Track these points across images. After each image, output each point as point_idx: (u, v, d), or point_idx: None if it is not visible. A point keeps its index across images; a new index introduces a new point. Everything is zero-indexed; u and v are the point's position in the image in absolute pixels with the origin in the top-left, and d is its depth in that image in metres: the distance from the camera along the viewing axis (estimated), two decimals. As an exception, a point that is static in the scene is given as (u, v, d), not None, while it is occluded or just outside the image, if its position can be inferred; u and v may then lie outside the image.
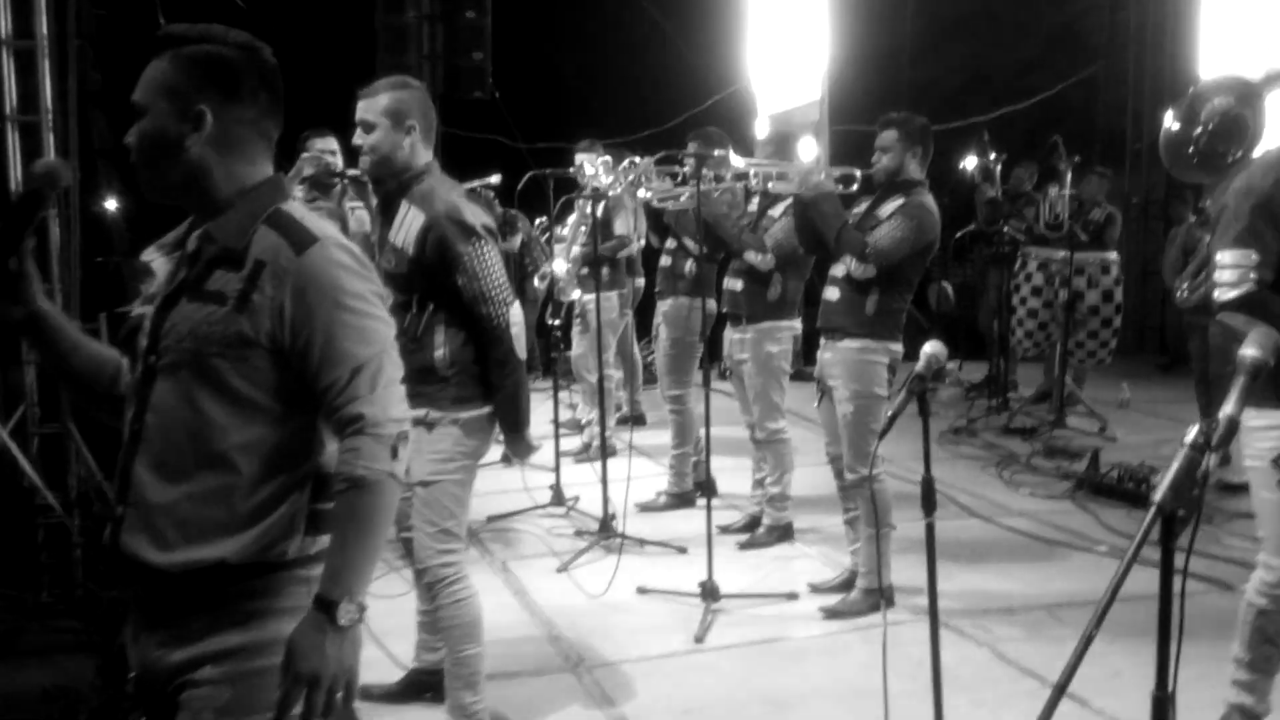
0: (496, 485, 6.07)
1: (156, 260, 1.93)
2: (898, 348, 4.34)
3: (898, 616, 4.30)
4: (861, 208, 4.47)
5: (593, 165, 5.74)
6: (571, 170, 6.55)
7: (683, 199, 5.25)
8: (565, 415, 7.09)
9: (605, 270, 6.47)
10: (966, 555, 5.06)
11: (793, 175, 4.57)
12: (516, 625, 4.36)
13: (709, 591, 4.41)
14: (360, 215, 4.73)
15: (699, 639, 4.20)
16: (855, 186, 4.52)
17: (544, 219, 6.71)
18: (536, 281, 7.39)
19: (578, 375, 7.16)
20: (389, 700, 3.67)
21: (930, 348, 2.70)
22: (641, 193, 5.27)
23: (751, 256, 5.10)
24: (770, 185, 4.73)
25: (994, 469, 6.61)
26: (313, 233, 1.83)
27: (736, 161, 4.71)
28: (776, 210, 5.11)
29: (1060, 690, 2.01)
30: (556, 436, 6.26)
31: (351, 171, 4.72)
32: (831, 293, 4.40)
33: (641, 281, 7.25)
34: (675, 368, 5.86)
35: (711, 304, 5.55)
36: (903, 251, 4.23)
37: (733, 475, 5.95)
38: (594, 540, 5.26)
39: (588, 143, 6.74)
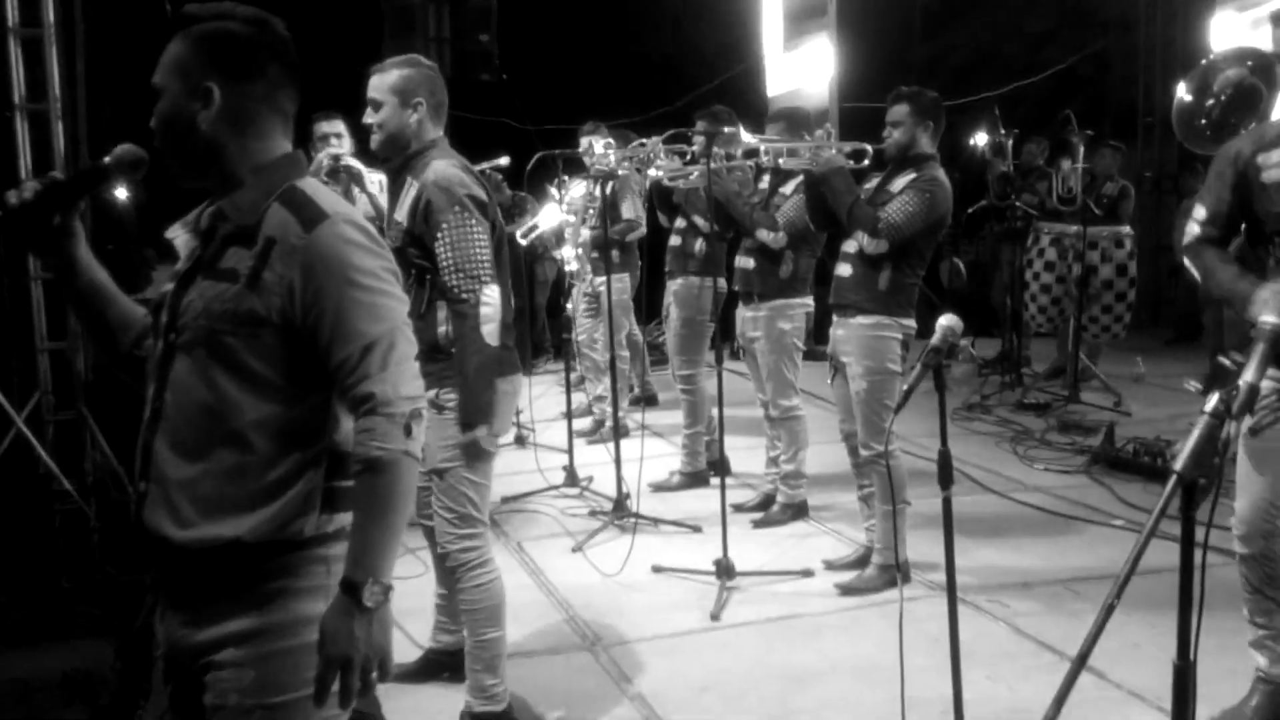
0: (510, 466, 6.08)
1: (180, 237, 1.93)
2: (911, 323, 4.32)
3: (914, 592, 4.29)
4: (873, 183, 4.45)
5: (601, 146, 5.72)
6: (580, 151, 6.54)
7: (693, 177, 5.23)
8: (577, 402, 7.09)
9: (615, 253, 6.46)
10: (983, 531, 5.05)
11: (803, 151, 4.54)
12: (533, 605, 4.37)
13: (724, 569, 4.41)
14: (362, 201, 4.72)
15: (715, 617, 4.20)
16: (866, 161, 4.50)
17: (555, 193, 6.66)
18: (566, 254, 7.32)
19: (579, 353, 7.16)
20: (406, 680, 3.68)
21: (946, 320, 2.68)
22: (652, 172, 5.26)
23: (763, 235, 5.07)
24: (781, 162, 4.70)
25: (1008, 444, 6.59)
26: (323, 209, 1.82)
27: (747, 138, 4.69)
28: (788, 188, 5.09)
29: (1082, 660, 2.00)
30: (569, 417, 6.26)
31: (345, 161, 4.72)
32: (843, 269, 4.38)
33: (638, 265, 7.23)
34: (686, 347, 5.86)
35: (722, 283, 5.54)
36: (915, 226, 4.21)
37: (746, 454, 5.94)
38: (608, 520, 5.26)
39: (592, 125, 6.73)
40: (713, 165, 4.58)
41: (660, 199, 5.81)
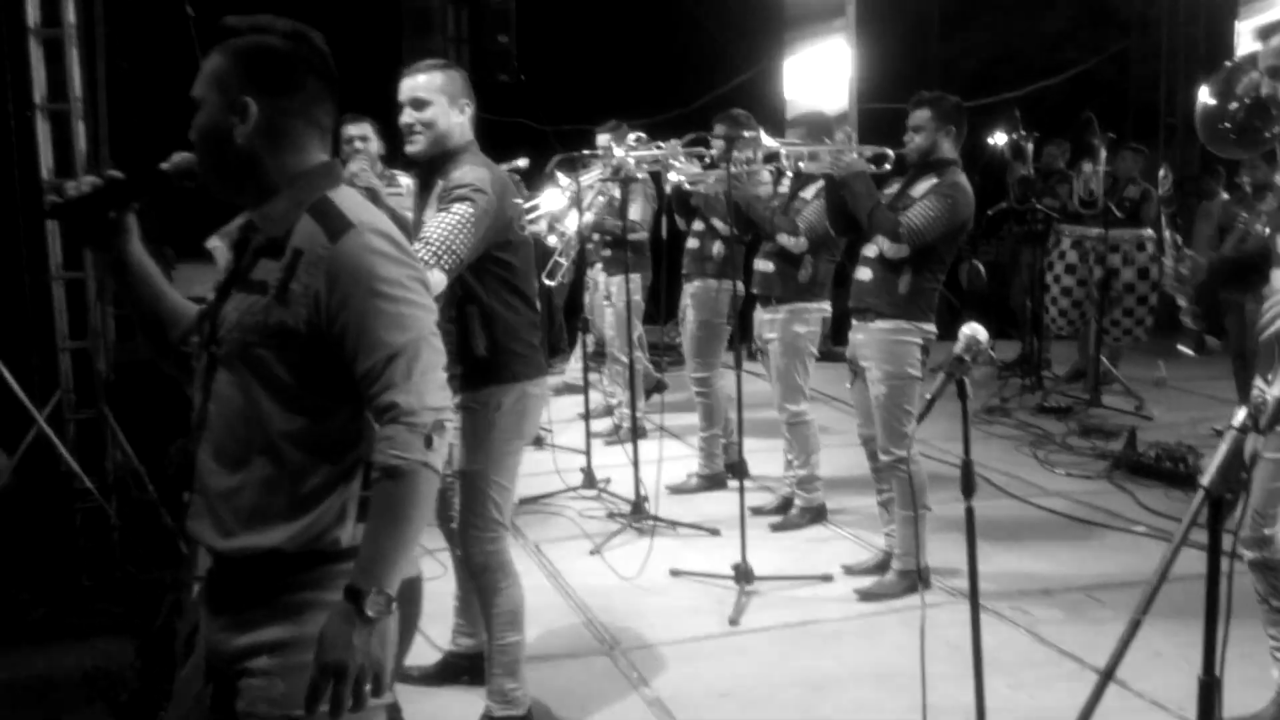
0: (527, 468, 6.04)
1: (219, 248, 1.95)
2: (931, 328, 4.30)
3: (934, 598, 4.28)
4: (894, 188, 4.43)
5: (619, 146, 5.70)
6: (599, 151, 6.53)
7: (712, 181, 5.22)
8: (595, 402, 7.07)
9: (629, 254, 6.45)
10: (1002, 536, 5.02)
11: (824, 155, 4.53)
12: (551, 608, 4.37)
13: (743, 574, 4.40)
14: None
15: (733, 621, 4.19)
16: (888, 166, 4.48)
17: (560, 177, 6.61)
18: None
19: (611, 357, 7.14)
20: (425, 682, 3.68)
21: (970, 329, 2.67)
22: (672, 176, 5.25)
23: (784, 239, 5.06)
24: (802, 166, 4.69)
25: (1028, 449, 6.56)
26: (348, 219, 1.81)
27: (768, 142, 4.68)
28: (808, 192, 5.07)
29: (1108, 675, 1.99)
30: (587, 419, 6.25)
31: (360, 183, 4.67)
32: (864, 273, 4.37)
33: None
34: (702, 350, 5.84)
35: (740, 286, 5.52)
36: (937, 231, 4.19)
37: (765, 457, 5.93)
38: (626, 522, 5.26)
39: (614, 123, 6.70)
40: (733, 169, 4.57)
41: (678, 202, 5.80)
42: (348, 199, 1.88)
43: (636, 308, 6.96)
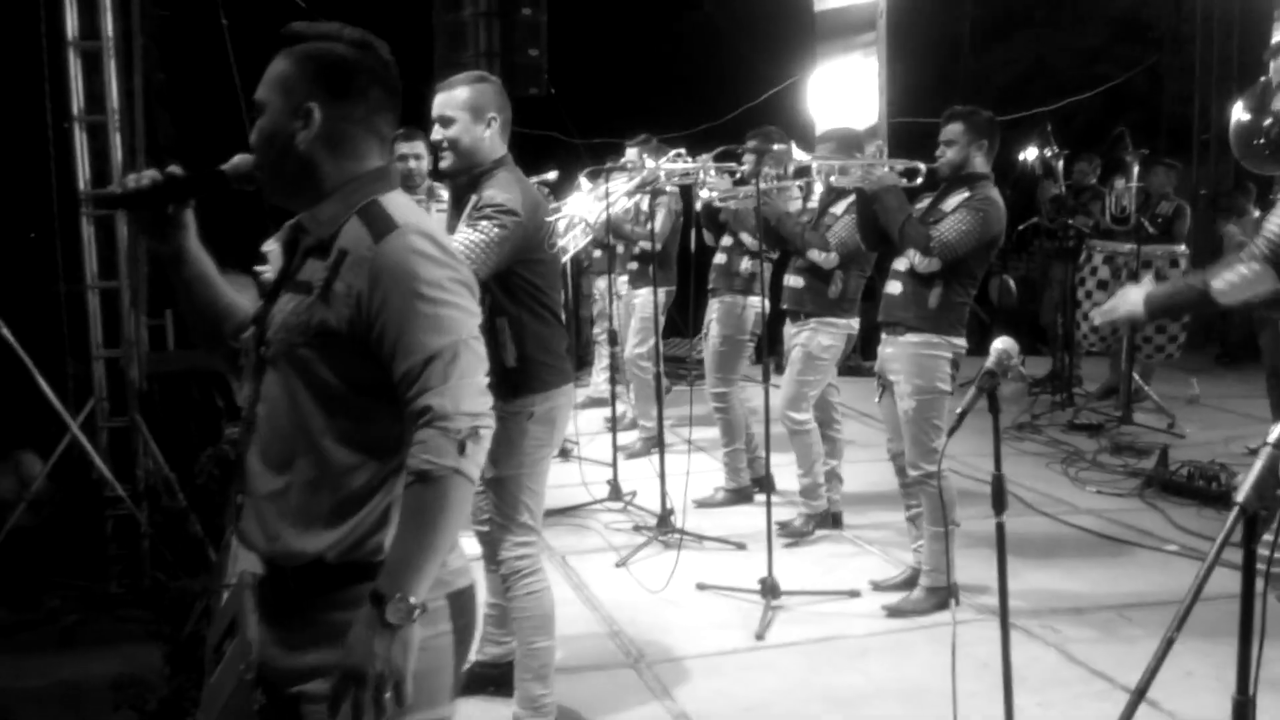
0: (554, 479, 6.04)
1: (273, 251, 1.95)
2: (961, 342, 4.28)
3: (962, 615, 4.23)
4: (925, 202, 4.42)
5: (650, 159, 5.71)
6: (628, 164, 6.55)
7: (742, 197, 5.22)
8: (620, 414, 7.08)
9: (652, 268, 6.47)
10: (1033, 554, 4.98)
11: (855, 169, 4.52)
12: (577, 620, 4.36)
13: (769, 588, 4.38)
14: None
15: (760, 636, 4.17)
16: (920, 180, 4.46)
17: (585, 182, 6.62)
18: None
19: (630, 375, 7.14)
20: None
21: (1001, 343, 2.66)
22: (704, 193, 5.25)
23: (815, 255, 5.05)
24: (833, 180, 4.68)
25: (1059, 466, 6.50)
26: (394, 220, 1.81)
27: (799, 155, 4.67)
28: (838, 208, 5.06)
29: (1140, 694, 1.97)
30: (614, 431, 6.25)
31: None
32: (894, 286, 4.35)
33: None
34: (722, 365, 5.82)
35: (766, 303, 5.50)
36: (968, 245, 4.17)
37: (791, 471, 5.89)
38: (652, 535, 5.25)
39: (644, 136, 6.72)
40: (763, 185, 4.57)
41: (707, 216, 5.80)
42: (398, 203, 1.87)
43: (659, 321, 6.96)
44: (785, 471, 5.81)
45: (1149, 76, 11.75)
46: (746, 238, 5.60)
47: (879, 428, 4.84)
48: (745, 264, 5.69)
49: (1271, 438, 1.98)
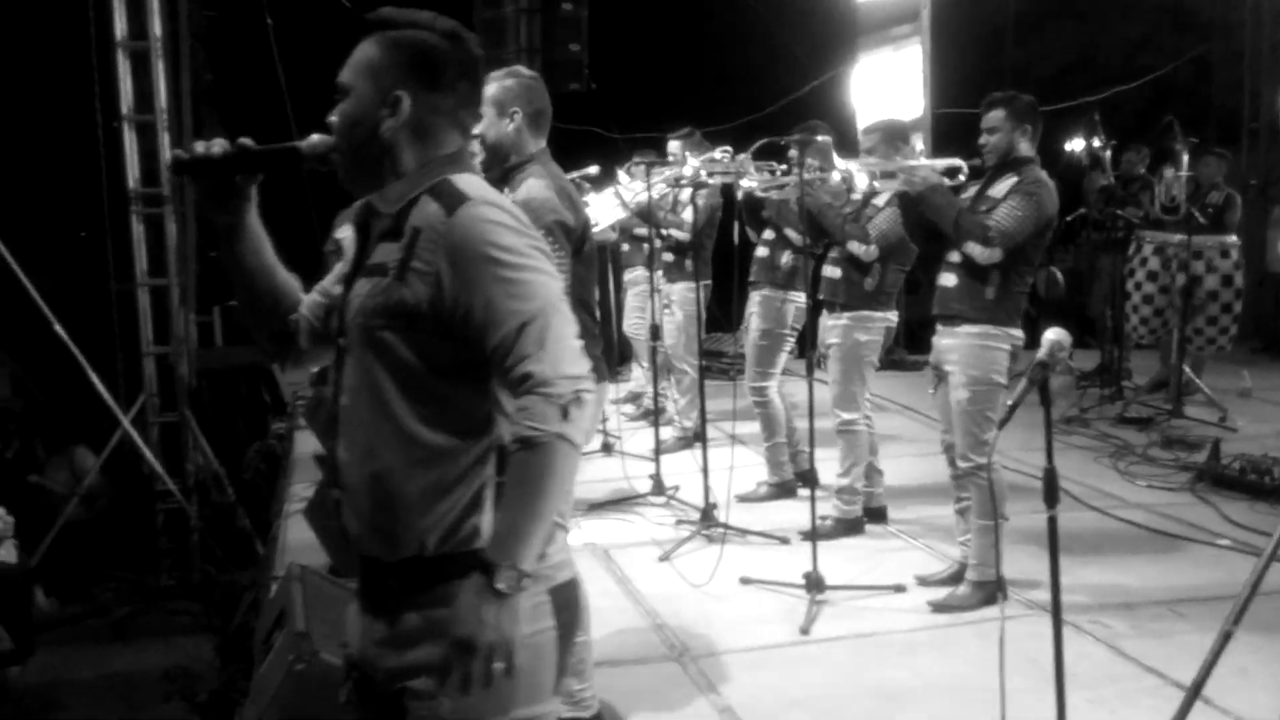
0: (597, 474, 6.09)
1: (347, 238, 1.94)
2: (1019, 334, 4.20)
3: (1010, 611, 4.17)
4: (970, 192, 4.36)
5: (693, 153, 5.70)
6: (670, 159, 6.54)
7: (785, 189, 5.19)
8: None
9: (689, 261, 6.45)
10: (1082, 548, 4.91)
11: (897, 173, 4.46)
12: (620, 613, 4.37)
13: (814, 583, 4.36)
14: None
15: (804, 630, 4.15)
16: (962, 177, 4.40)
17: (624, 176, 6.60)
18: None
19: (672, 367, 7.13)
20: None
21: (1053, 335, 2.62)
22: (745, 183, 5.22)
23: (855, 247, 5.01)
24: (876, 185, 4.63)
25: (1108, 460, 6.40)
26: (465, 194, 1.79)
27: (840, 164, 4.61)
28: (880, 200, 5.02)
29: (1196, 690, 1.94)
30: (656, 425, 6.25)
31: None
32: (948, 278, 4.29)
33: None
34: (761, 359, 5.79)
35: (806, 298, 5.46)
36: (1026, 230, 4.11)
37: (835, 465, 5.86)
38: (695, 530, 5.24)
39: (687, 129, 6.71)
40: (805, 176, 4.54)
41: (748, 210, 5.78)
42: (469, 180, 1.85)
43: (701, 316, 6.95)
44: (829, 466, 5.78)
45: (1195, 66, 11.56)
46: (791, 232, 5.57)
47: (923, 421, 4.81)
48: (786, 258, 5.65)
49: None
